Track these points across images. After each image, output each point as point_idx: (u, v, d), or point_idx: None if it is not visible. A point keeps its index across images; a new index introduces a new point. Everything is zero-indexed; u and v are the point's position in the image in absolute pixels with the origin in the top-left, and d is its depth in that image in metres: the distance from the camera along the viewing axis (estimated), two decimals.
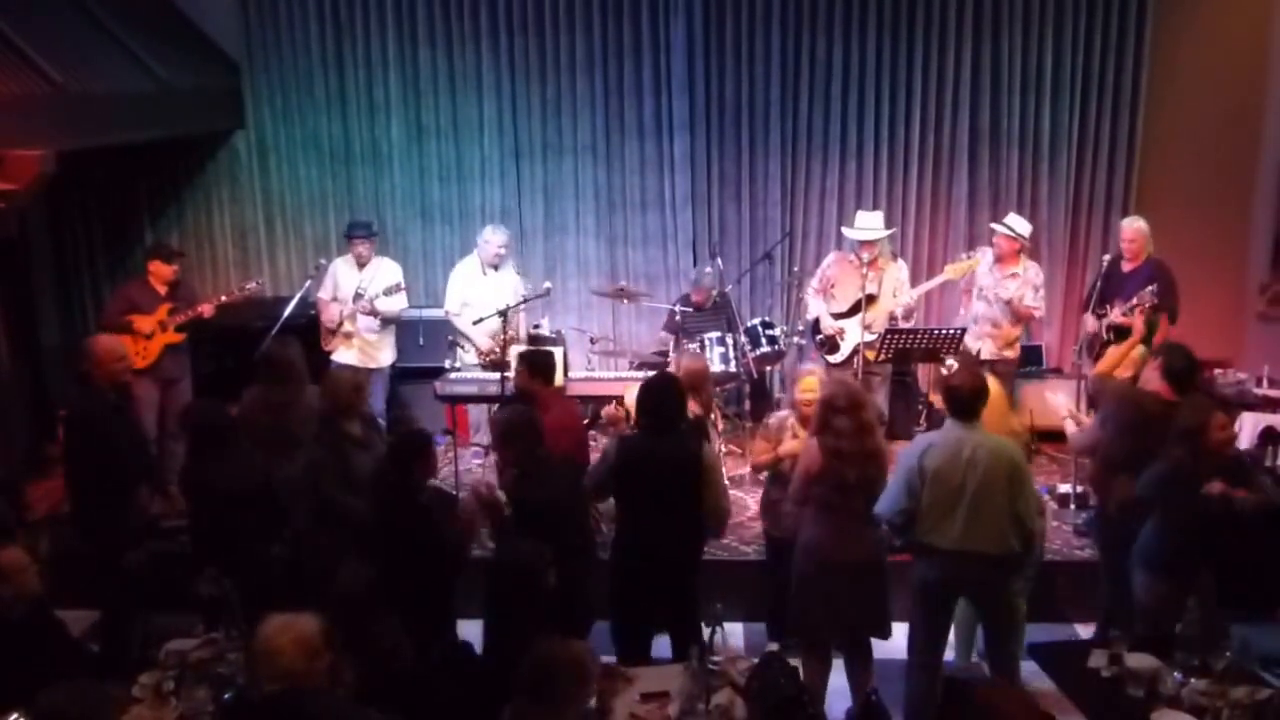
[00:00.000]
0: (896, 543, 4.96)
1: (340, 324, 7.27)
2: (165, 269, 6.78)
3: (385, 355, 7.47)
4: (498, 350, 7.00)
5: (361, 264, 7.37)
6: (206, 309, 6.78)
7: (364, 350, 7.31)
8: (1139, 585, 4.89)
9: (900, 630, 4.97)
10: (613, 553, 5.05)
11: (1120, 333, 6.61)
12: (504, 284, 7.37)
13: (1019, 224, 7.23)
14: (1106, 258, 6.94)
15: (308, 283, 7.44)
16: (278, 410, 5.56)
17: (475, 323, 7.14)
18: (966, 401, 4.68)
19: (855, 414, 4.70)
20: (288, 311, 7.11)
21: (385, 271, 7.41)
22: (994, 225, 7.38)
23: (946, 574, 4.68)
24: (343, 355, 7.29)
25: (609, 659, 4.69)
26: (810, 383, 5.34)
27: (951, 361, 6.57)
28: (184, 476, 5.27)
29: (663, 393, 4.93)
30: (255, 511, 5.06)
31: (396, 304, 7.33)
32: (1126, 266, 6.86)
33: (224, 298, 6.98)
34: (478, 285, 7.39)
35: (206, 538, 5.12)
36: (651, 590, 4.83)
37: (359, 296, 7.22)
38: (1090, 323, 6.87)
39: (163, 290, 6.80)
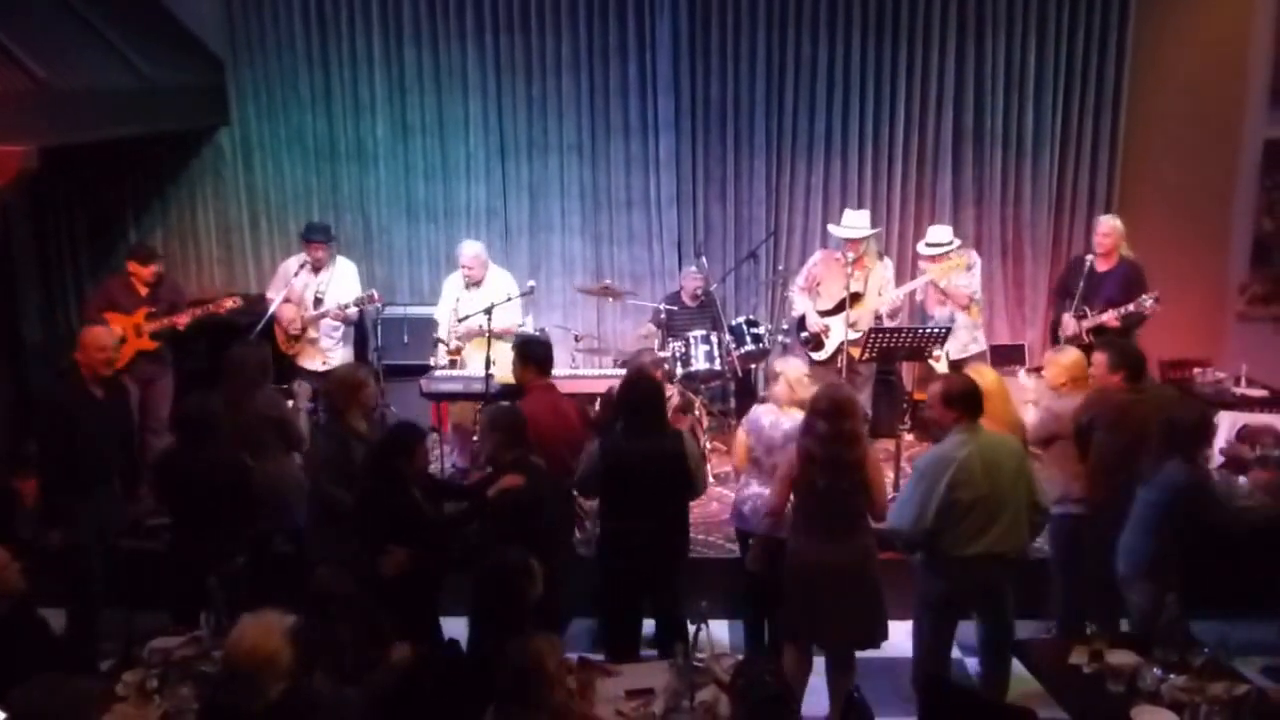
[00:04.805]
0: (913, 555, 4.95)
1: (305, 329, 7.23)
2: (143, 270, 6.72)
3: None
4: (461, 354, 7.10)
5: (317, 268, 7.31)
6: (182, 320, 6.71)
7: (325, 357, 7.24)
8: (1138, 591, 4.86)
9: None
10: (600, 549, 5.09)
11: (1101, 334, 6.67)
12: (488, 300, 7.21)
13: (940, 234, 7.42)
14: (1090, 257, 6.96)
15: (292, 280, 7.41)
16: (231, 409, 5.51)
17: (461, 319, 7.13)
18: (970, 401, 4.68)
19: (834, 421, 4.60)
20: (272, 310, 7.09)
21: (342, 273, 7.37)
22: (920, 249, 7.56)
23: (964, 584, 4.69)
24: (310, 362, 7.24)
25: (597, 657, 4.73)
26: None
27: (940, 352, 6.62)
28: (163, 468, 5.26)
29: (643, 392, 4.96)
30: (230, 506, 5.07)
31: (355, 311, 7.30)
32: (1102, 266, 6.90)
33: (199, 311, 6.87)
34: (464, 300, 7.30)
35: (183, 531, 5.13)
36: (640, 584, 4.91)
37: (319, 301, 7.19)
38: (1070, 325, 6.91)
39: (144, 291, 6.74)
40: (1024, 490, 4.68)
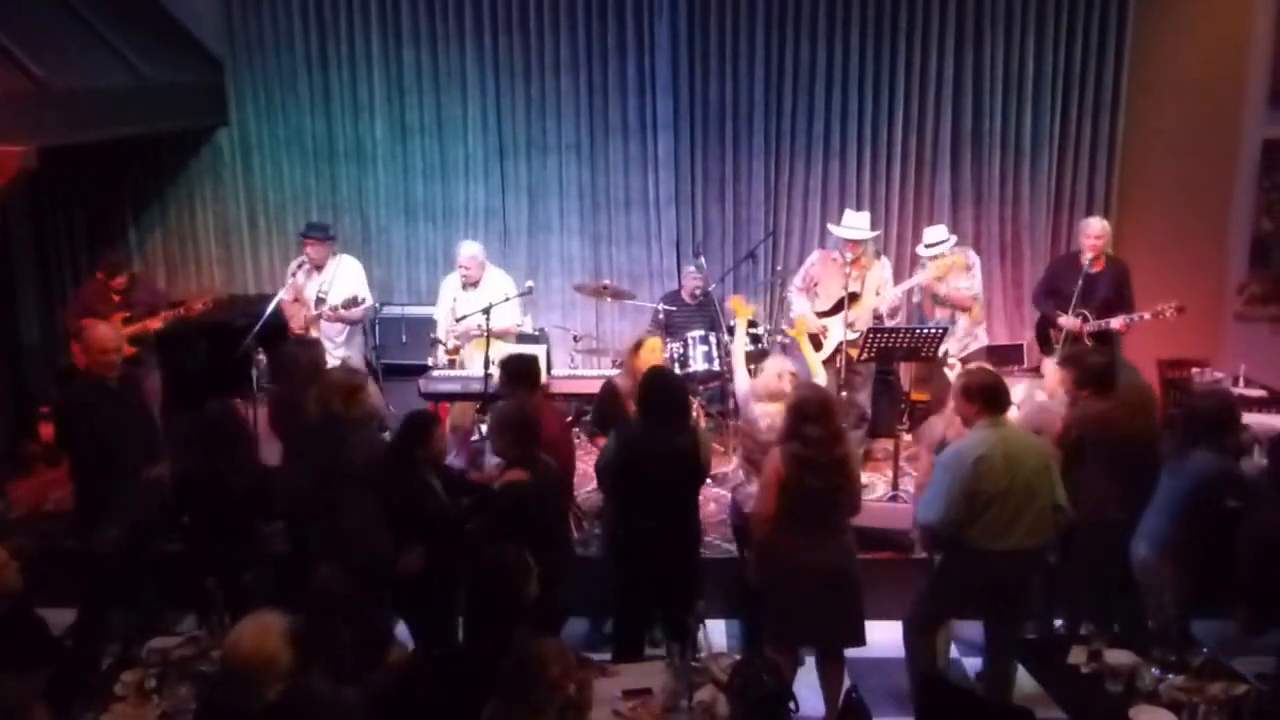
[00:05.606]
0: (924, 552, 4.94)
1: (308, 329, 7.24)
2: (112, 282, 6.73)
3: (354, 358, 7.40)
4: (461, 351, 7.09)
5: (316, 266, 7.31)
6: (155, 323, 6.73)
7: (332, 355, 7.24)
8: (1156, 573, 4.85)
9: (881, 628, 4.98)
10: (615, 547, 5.10)
11: (1104, 339, 6.66)
12: (485, 300, 7.16)
13: (936, 234, 7.39)
14: (1087, 257, 6.91)
15: (290, 280, 7.41)
16: (287, 410, 5.54)
17: (459, 319, 7.12)
18: (990, 395, 4.68)
19: (826, 422, 4.62)
20: (270, 309, 7.09)
21: (345, 271, 7.36)
22: (919, 251, 7.53)
23: (992, 579, 4.68)
24: None
25: (594, 656, 4.73)
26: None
27: (950, 359, 6.62)
28: (188, 478, 5.23)
29: (657, 389, 4.97)
30: (251, 514, 5.06)
31: (357, 311, 7.30)
32: (1095, 267, 6.87)
33: (170, 314, 6.86)
34: (461, 301, 7.30)
35: (203, 537, 5.11)
36: (652, 583, 4.90)
37: (321, 301, 7.19)
38: (1071, 323, 6.86)
39: (116, 299, 6.73)
40: (1047, 487, 4.64)
